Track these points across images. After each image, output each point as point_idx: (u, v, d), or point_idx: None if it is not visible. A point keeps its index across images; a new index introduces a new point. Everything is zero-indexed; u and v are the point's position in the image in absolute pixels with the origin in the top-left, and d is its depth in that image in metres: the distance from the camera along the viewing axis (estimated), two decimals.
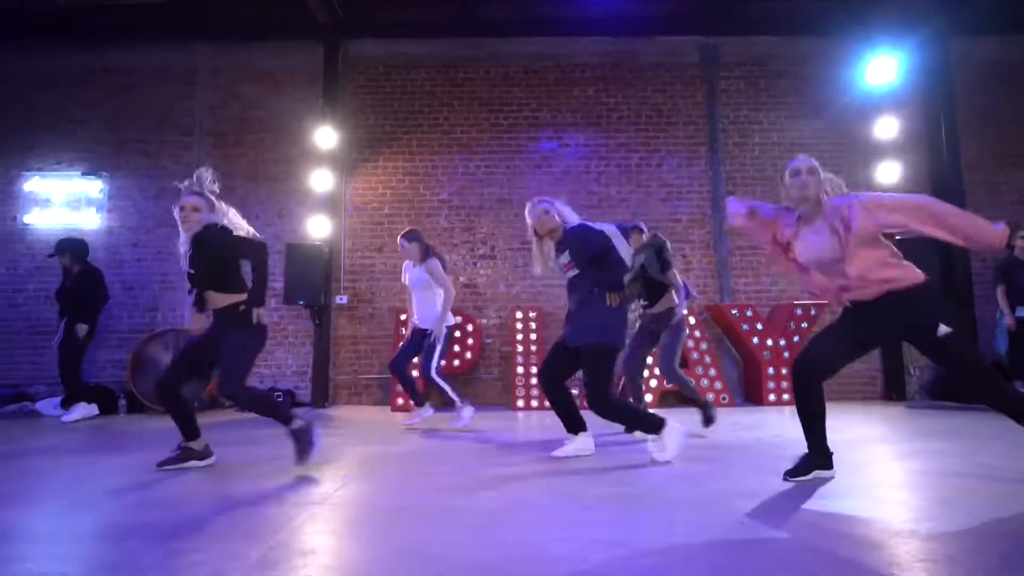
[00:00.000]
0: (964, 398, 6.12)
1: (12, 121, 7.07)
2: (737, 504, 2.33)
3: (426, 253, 4.86)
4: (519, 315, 6.39)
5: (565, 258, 3.37)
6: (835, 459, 2.80)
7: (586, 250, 3.30)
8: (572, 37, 7.23)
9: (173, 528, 2.10)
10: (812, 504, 2.34)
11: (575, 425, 3.46)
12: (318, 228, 6.64)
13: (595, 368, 3.23)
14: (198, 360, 3.30)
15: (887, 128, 6.71)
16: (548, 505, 2.41)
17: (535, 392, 6.18)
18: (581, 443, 3.42)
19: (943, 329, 2.49)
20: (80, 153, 7.07)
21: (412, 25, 7.16)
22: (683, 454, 3.24)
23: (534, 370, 6.19)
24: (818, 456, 2.75)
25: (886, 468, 3.15)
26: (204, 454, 3.24)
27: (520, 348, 6.30)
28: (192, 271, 3.18)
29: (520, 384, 6.21)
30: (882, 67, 6.58)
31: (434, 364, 4.76)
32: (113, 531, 2.12)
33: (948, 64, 6.83)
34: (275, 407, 3.22)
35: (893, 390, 6.60)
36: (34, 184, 6.95)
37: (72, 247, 5.98)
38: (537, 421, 5.34)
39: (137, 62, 7.22)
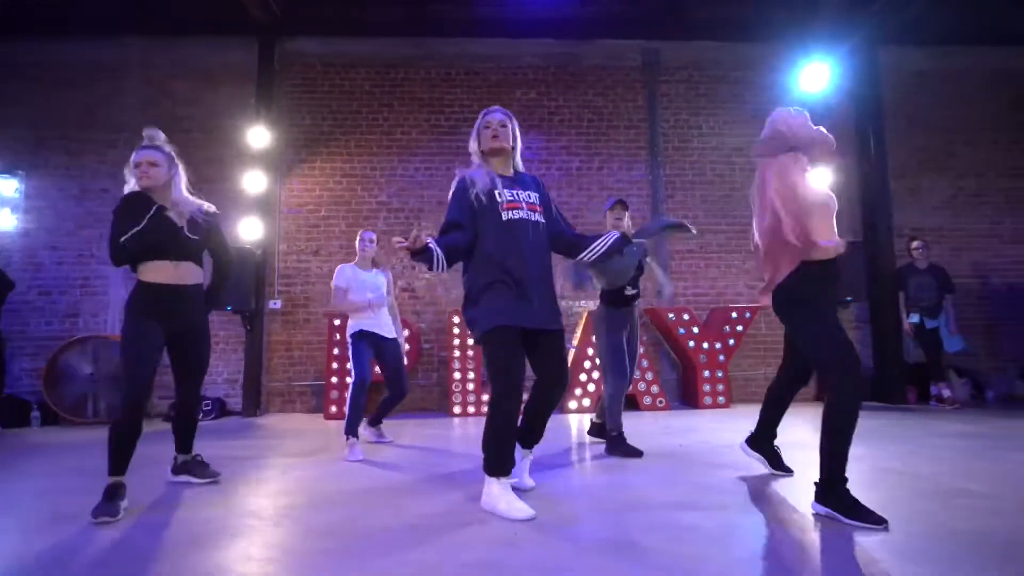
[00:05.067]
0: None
1: None
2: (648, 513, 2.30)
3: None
4: (456, 319, 6.30)
5: (528, 197, 2.62)
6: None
7: (551, 206, 2.73)
8: (516, 38, 7.17)
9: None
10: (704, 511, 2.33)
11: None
12: (250, 230, 6.44)
13: (564, 353, 2.66)
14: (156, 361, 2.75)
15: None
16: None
17: (472, 398, 6.10)
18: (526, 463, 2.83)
19: None
20: None
21: (354, 23, 7.00)
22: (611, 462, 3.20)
23: (471, 376, 6.12)
24: None
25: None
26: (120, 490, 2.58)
27: (457, 353, 6.20)
28: (181, 234, 2.79)
29: (457, 390, 6.12)
30: (815, 74, 6.69)
31: None
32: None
33: (876, 72, 7.02)
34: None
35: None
36: None
37: None
38: (476, 429, 5.24)
39: (67, 56, 6.90)
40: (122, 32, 6.88)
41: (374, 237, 4.32)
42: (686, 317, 6.47)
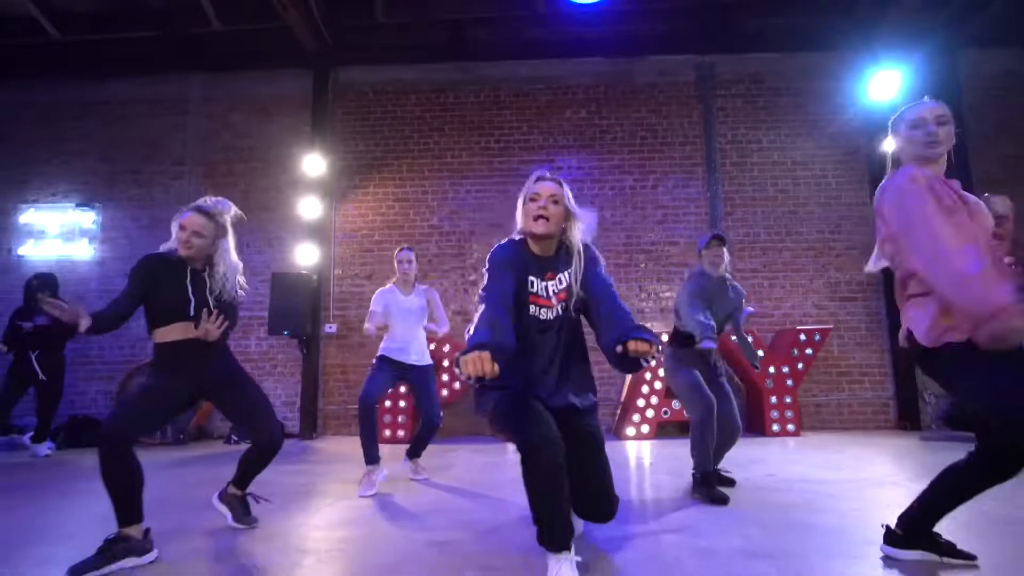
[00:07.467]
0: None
1: (9, 155, 7.18)
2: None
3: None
4: None
5: (558, 284, 2.15)
6: (848, 499, 2.54)
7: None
8: (564, 59, 7.13)
9: None
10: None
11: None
12: (306, 256, 6.57)
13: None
14: (168, 409, 2.58)
15: (893, 145, 6.40)
16: None
17: None
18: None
19: None
20: (75, 185, 7.13)
21: (401, 50, 7.14)
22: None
23: None
24: None
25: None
26: (144, 547, 2.27)
27: None
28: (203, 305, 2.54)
29: None
30: (886, 82, 6.31)
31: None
32: None
33: (956, 78, 6.55)
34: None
35: (907, 419, 6.24)
36: (29, 216, 7.02)
37: (54, 282, 5.63)
38: None
39: (132, 94, 7.30)
40: (183, 69, 7.23)
41: (412, 257, 3.93)
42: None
